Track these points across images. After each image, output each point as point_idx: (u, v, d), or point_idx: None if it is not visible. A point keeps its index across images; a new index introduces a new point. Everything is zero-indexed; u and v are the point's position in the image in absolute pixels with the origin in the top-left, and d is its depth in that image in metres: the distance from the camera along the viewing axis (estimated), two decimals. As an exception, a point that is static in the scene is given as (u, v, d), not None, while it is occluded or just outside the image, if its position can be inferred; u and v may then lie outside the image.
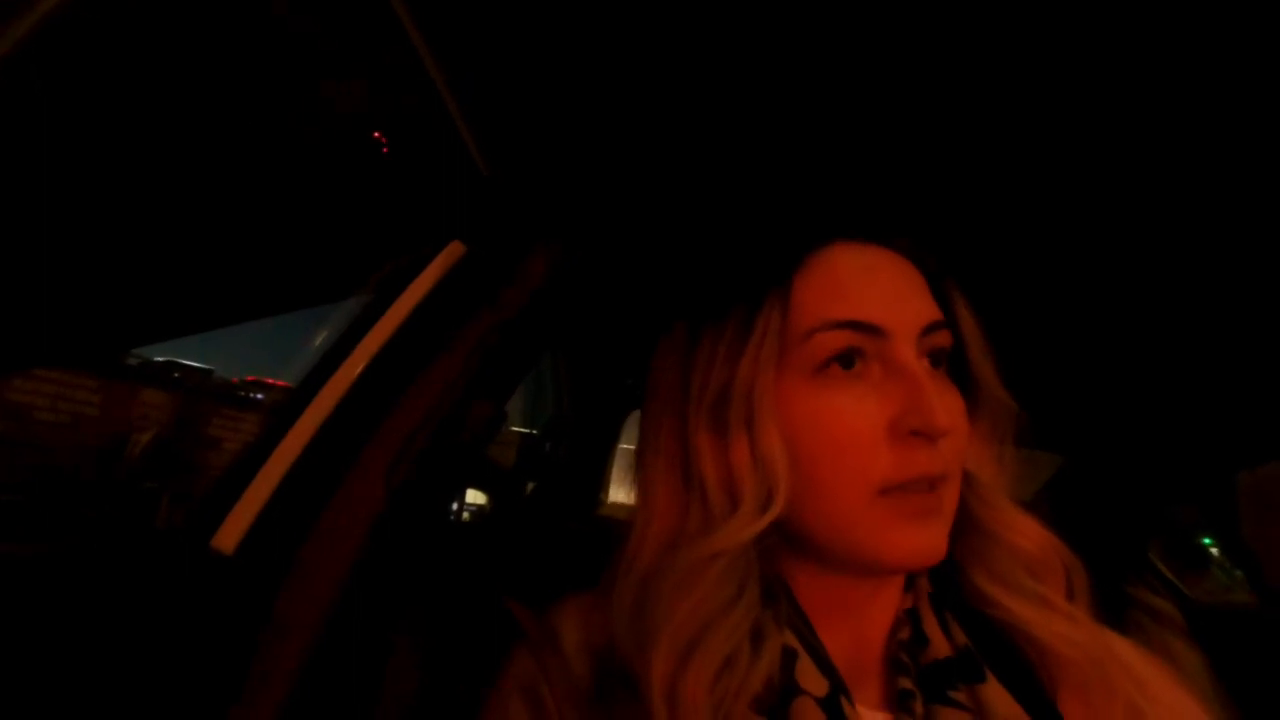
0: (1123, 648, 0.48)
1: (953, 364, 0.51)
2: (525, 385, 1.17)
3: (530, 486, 1.54)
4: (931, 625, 0.47)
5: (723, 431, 0.47)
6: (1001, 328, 0.53)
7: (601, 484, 1.52)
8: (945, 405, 0.45)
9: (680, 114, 0.64)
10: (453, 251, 0.66)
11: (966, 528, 0.48)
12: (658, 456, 0.52)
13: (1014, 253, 0.83)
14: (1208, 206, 0.70)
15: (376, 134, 0.69)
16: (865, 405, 0.45)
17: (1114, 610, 0.47)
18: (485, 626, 0.59)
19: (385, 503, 0.56)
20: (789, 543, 0.49)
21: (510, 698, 0.49)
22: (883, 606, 0.50)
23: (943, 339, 0.49)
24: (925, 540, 0.45)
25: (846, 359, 0.46)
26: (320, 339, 0.65)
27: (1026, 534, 0.48)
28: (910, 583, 0.50)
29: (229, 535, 0.56)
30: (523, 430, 1.64)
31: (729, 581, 0.45)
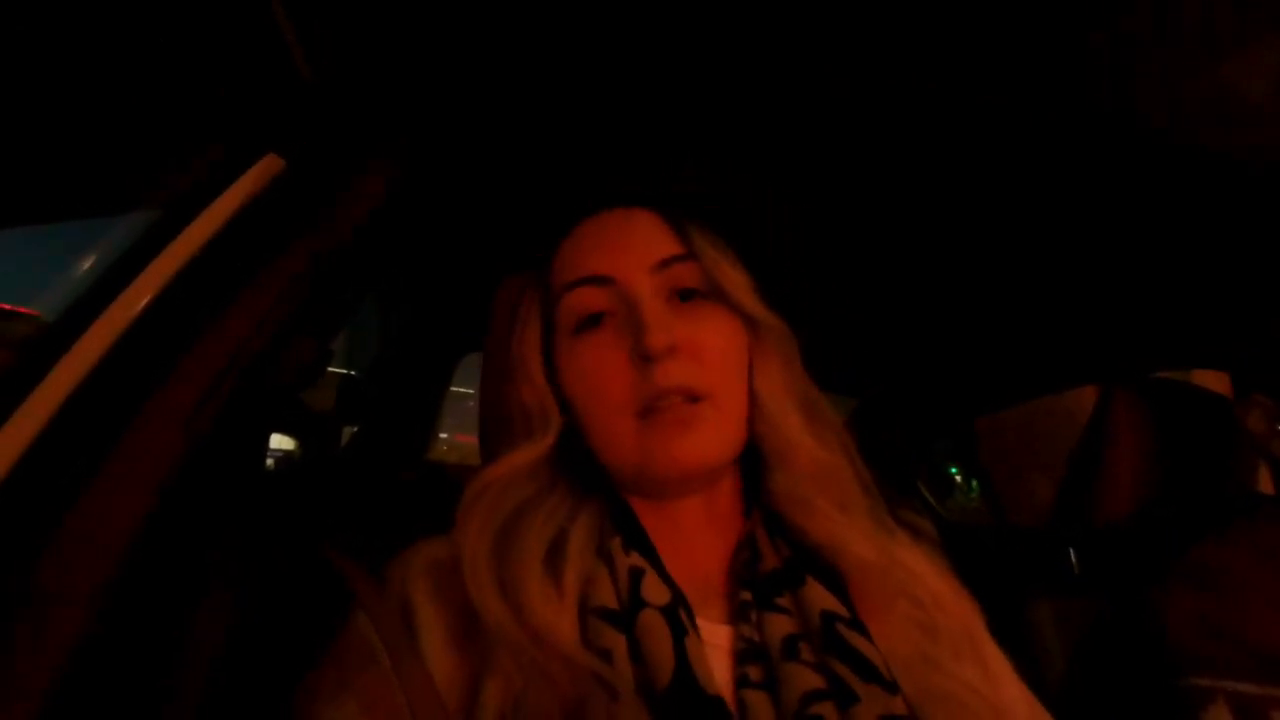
0: (904, 553, 0.56)
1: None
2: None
3: (349, 432, 1.43)
4: (765, 545, 0.52)
5: (516, 379, 0.56)
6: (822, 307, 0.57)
7: (432, 430, 1.46)
8: (685, 331, 0.51)
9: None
10: (267, 166, 0.56)
11: (761, 451, 0.54)
12: (491, 395, 0.59)
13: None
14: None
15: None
16: (607, 345, 0.52)
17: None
18: (308, 585, 0.54)
19: (185, 454, 0.48)
20: (613, 478, 0.54)
21: (345, 666, 0.47)
22: (721, 532, 0.54)
23: (683, 272, 0.54)
24: (682, 448, 0.49)
25: (593, 319, 0.53)
26: (89, 262, 0.52)
27: (804, 451, 0.53)
28: (749, 511, 0.55)
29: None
30: (341, 371, 1.51)
31: (522, 489, 0.51)
